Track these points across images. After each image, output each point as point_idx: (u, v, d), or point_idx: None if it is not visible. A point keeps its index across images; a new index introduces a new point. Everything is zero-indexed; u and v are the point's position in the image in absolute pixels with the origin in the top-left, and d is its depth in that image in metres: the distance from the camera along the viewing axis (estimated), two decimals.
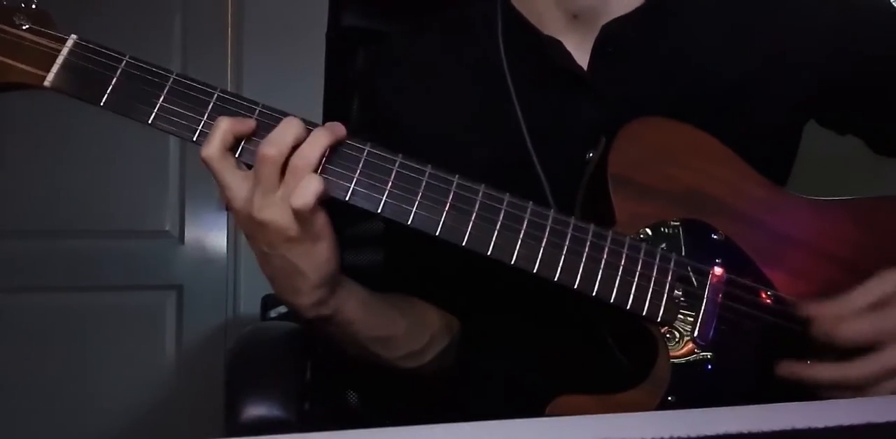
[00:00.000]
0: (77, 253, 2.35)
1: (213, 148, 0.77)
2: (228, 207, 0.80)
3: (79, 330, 2.33)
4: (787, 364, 0.83)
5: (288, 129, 0.77)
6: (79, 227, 2.36)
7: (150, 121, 0.78)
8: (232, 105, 0.79)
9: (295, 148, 0.77)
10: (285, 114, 0.79)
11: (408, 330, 0.97)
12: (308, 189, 0.76)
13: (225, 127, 0.77)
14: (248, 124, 0.78)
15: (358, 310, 0.90)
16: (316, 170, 0.78)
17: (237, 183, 0.78)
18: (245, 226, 0.81)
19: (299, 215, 0.77)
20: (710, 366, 0.84)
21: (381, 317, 0.94)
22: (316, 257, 0.81)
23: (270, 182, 0.77)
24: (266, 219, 0.78)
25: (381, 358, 0.96)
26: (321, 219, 0.79)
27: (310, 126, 0.79)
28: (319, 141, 0.77)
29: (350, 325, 0.90)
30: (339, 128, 0.79)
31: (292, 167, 0.76)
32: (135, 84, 0.78)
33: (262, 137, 0.78)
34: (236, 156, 0.78)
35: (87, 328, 2.34)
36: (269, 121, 0.79)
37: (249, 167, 0.79)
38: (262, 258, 0.83)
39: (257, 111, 0.79)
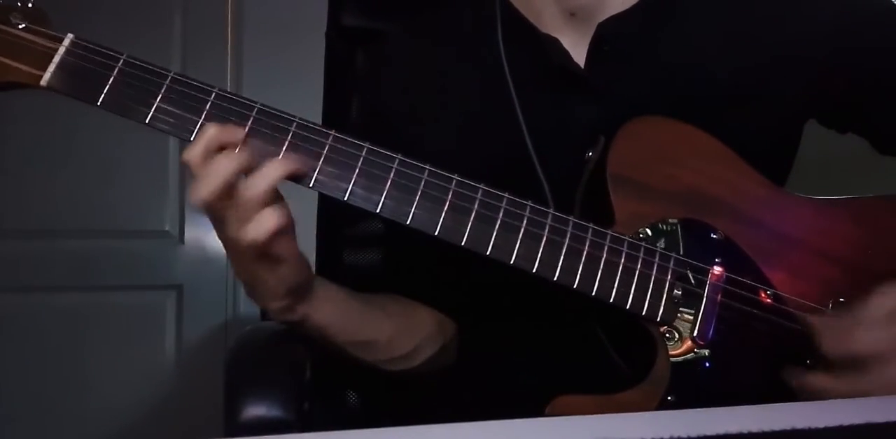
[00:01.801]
0: (77, 253, 2.35)
1: (195, 153, 0.76)
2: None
3: (79, 331, 2.33)
4: (797, 373, 0.83)
5: (219, 169, 0.75)
6: (79, 227, 2.36)
7: (146, 121, 0.77)
8: (230, 103, 0.78)
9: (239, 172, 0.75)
10: (283, 114, 0.79)
11: (393, 335, 0.96)
12: (260, 227, 0.75)
13: (211, 134, 0.76)
14: (236, 135, 0.77)
15: (333, 315, 0.90)
16: (308, 177, 0.77)
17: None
18: (217, 233, 0.81)
19: (251, 246, 0.77)
20: (709, 366, 0.84)
21: (362, 322, 0.94)
22: (279, 273, 0.82)
23: (219, 210, 0.76)
24: (227, 237, 0.78)
25: (362, 360, 0.96)
26: (281, 246, 0.79)
27: (309, 123, 0.79)
28: (270, 174, 0.76)
29: (323, 329, 0.90)
30: (289, 163, 0.77)
31: (241, 198, 0.75)
32: (132, 83, 0.78)
33: (255, 144, 0.77)
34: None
35: (87, 328, 2.33)
36: (267, 118, 0.79)
37: None
38: (232, 263, 0.84)
39: (255, 109, 0.79)
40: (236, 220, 0.76)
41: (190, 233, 2.40)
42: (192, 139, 0.78)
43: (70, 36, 0.78)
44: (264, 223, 0.75)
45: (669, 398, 0.82)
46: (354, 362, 0.96)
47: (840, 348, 0.82)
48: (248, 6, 2.44)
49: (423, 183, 0.80)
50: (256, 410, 1.10)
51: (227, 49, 2.42)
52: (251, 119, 0.78)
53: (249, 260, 0.80)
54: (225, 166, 0.75)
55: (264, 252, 0.78)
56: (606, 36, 0.95)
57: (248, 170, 0.76)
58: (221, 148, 0.77)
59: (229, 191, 0.75)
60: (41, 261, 2.33)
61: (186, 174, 2.42)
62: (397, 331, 0.97)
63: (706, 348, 0.84)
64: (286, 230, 0.77)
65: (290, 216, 0.77)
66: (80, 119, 2.20)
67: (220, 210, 0.76)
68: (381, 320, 0.96)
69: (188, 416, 2.30)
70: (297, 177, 0.78)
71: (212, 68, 2.35)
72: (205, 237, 2.40)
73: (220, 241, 0.80)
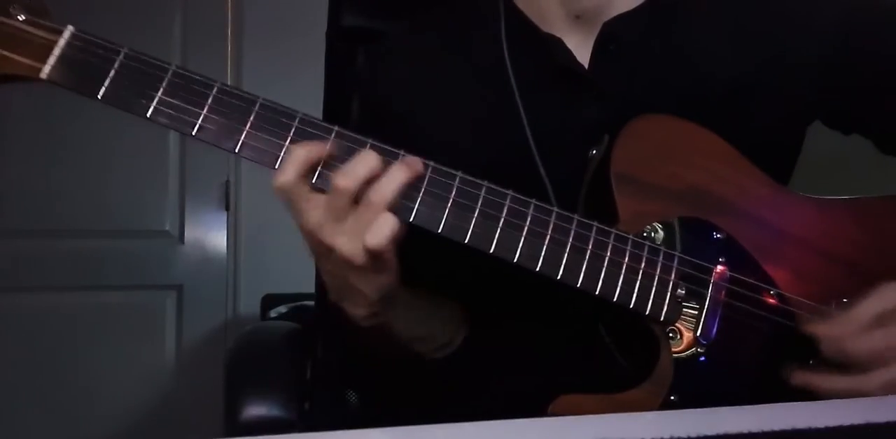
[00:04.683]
0: (77, 253, 2.35)
1: (287, 176, 0.76)
2: (300, 230, 0.79)
3: (79, 331, 2.34)
4: (801, 373, 0.83)
5: (363, 162, 0.76)
6: (79, 227, 2.36)
7: (148, 115, 0.77)
8: (232, 98, 0.78)
9: (369, 180, 0.76)
10: (286, 109, 0.79)
11: (441, 325, 0.98)
12: (383, 229, 0.75)
13: (300, 155, 0.76)
14: (322, 149, 0.77)
15: (402, 315, 0.90)
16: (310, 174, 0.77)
17: (310, 208, 0.77)
18: (314, 248, 0.80)
19: (370, 252, 0.77)
20: (712, 366, 0.84)
21: (421, 317, 0.95)
22: (377, 283, 0.81)
23: (342, 211, 0.76)
24: (336, 247, 0.77)
25: (415, 352, 0.97)
26: (390, 254, 0.79)
27: (313, 119, 0.79)
28: (397, 177, 0.76)
29: (394, 328, 0.91)
30: (417, 165, 0.78)
31: (367, 202, 0.76)
32: (133, 77, 0.77)
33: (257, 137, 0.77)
34: (313, 181, 0.77)
35: (87, 328, 2.34)
36: (269, 113, 0.78)
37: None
38: (324, 273, 0.84)
39: (258, 104, 0.78)
40: (354, 224, 0.76)
41: (190, 233, 2.41)
42: (193, 133, 0.77)
43: (70, 28, 0.77)
44: (387, 226, 0.76)
45: (672, 397, 0.82)
46: (405, 355, 0.97)
47: (838, 352, 0.82)
48: (247, 6, 2.44)
49: (426, 180, 0.79)
50: (256, 410, 1.10)
51: (226, 49, 2.43)
52: (253, 114, 0.78)
53: (354, 268, 0.79)
54: (361, 170, 0.76)
55: (377, 258, 0.78)
56: (612, 35, 0.95)
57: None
58: (312, 168, 0.77)
59: (353, 200, 0.76)
60: (41, 261, 2.34)
61: (187, 174, 2.45)
62: (443, 320, 0.98)
63: (709, 348, 0.84)
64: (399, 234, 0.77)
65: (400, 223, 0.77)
66: (81, 119, 2.21)
67: (341, 214, 0.76)
68: (433, 312, 0.97)
69: (188, 416, 2.30)
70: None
71: (211, 68, 2.35)
72: (205, 237, 2.41)
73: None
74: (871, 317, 0.82)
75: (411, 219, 0.79)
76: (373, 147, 0.79)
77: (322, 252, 0.80)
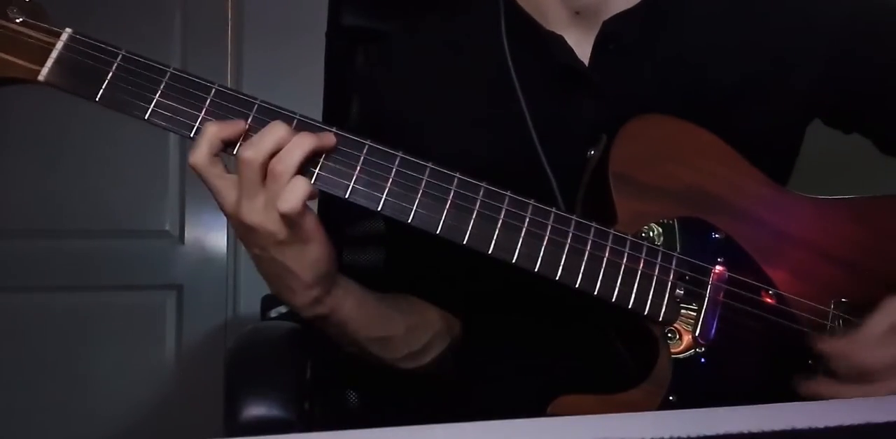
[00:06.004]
0: (77, 253, 2.35)
1: (200, 154, 0.76)
2: (223, 212, 0.80)
3: (79, 331, 2.33)
4: (808, 383, 0.83)
5: (270, 133, 0.76)
6: (79, 227, 2.36)
7: (145, 118, 0.77)
8: (230, 100, 0.78)
9: (276, 151, 0.76)
10: (283, 110, 0.79)
11: (407, 331, 0.96)
12: (294, 193, 0.76)
13: (212, 132, 0.76)
14: (238, 127, 0.77)
15: (355, 309, 0.89)
16: (308, 174, 0.77)
17: (226, 188, 0.78)
18: (237, 229, 0.81)
19: (287, 219, 0.77)
20: (711, 366, 0.84)
21: (380, 318, 0.94)
22: (307, 258, 0.81)
23: (253, 185, 0.77)
24: (254, 223, 0.78)
25: (380, 358, 0.96)
26: (310, 222, 0.79)
27: (310, 120, 0.79)
28: (301, 145, 0.76)
29: (347, 325, 0.90)
30: (326, 137, 0.78)
31: (271, 172, 0.76)
32: (131, 79, 0.77)
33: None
34: (234, 154, 0.78)
35: (87, 328, 2.34)
36: (266, 117, 0.78)
37: None
38: (255, 259, 0.84)
39: (255, 106, 0.78)
40: (266, 197, 0.76)
41: (190, 233, 2.40)
42: (192, 135, 0.77)
43: (68, 30, 0.77)
44: (297, 190, 0.76)
45: (671, 398, 0.82)
46: (373, 361, 0.96)
47: (850, 368, 0.83)
48: (247, 6, 2.44)
49: (424, 181, 0.79)
50: (256, 410, 1.10)
51: (226, 49, 2.43)
52: (251, 116, 0.78)
53: (278, 243, 0.79)
54: (267, 140, 0.76)
55: (296, 225, 0.78)
56: (611, 34, 0.95)
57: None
58: (227, 144, 0.77)
59: (263, 173, 0.76)
60: (41, 261, 2.33)
61: (186, 174, 2.44)
62: (411, 327, 0.97)
63: (708, 348, 0.84)
64: (312, 199, 0.78)
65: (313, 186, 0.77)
66: (81, 119, 2.21)
67: (253, 189, 0.77)
68: (396, 316, 0.96)
69: (188, 416, 2.30)
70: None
71: (211, 68, 2.35)
72: (205, 237, 2.40)
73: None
74: (882, 332, 0.82)
75: (410, 221, 0.79)
76: (370, 148, 0.79)
77: (245, 233, 0.80)
